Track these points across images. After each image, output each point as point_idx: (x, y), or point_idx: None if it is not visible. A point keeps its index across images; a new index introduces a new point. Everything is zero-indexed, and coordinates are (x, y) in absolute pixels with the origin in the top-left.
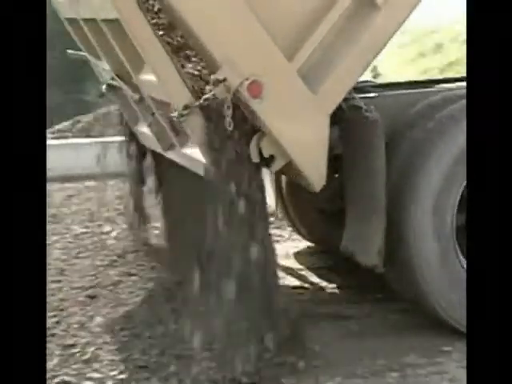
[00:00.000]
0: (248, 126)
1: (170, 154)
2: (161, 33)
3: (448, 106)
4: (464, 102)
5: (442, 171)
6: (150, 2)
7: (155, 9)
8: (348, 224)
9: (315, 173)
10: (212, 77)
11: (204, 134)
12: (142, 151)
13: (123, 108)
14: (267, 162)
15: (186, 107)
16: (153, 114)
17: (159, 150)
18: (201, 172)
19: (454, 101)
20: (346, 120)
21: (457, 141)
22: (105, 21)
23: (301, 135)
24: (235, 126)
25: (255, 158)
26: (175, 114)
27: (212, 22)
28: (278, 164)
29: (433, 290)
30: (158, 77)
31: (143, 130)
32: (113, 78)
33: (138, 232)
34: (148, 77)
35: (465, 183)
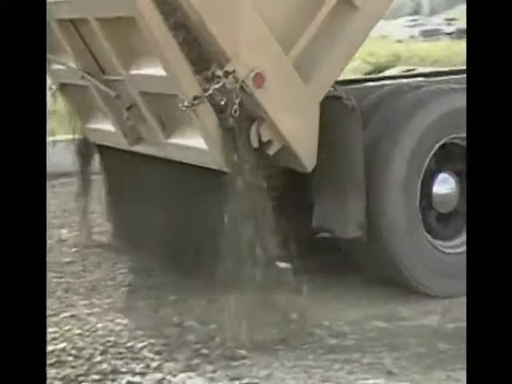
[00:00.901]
0: (247, 115)
1: (136, 148)
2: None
3: (399, 96)
4: (414, 92)
5: (406, 156)
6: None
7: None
8: (319, 204)
9: (308, 155)
10: (222, 69)
11: (213, 121)
12: (90, 148)
13: (75, 105)
14: (265, 146)
15: (195, 98)
16: (128, 108)
17: (119, 145)
18: (189, 160)
19: (406, 92)
20: (322, 107)
21: (418, 125)
22: (100, 20)
23: (296, 121)
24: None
25: (255, 143)
26: (185, 104)
27: (225, 22)
28: (274, 148)
29: (405, 263)
30: (170, 70)
31: (98, 126)
32: (83, 77)
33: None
34: (142, 71)
35: (425, 167)
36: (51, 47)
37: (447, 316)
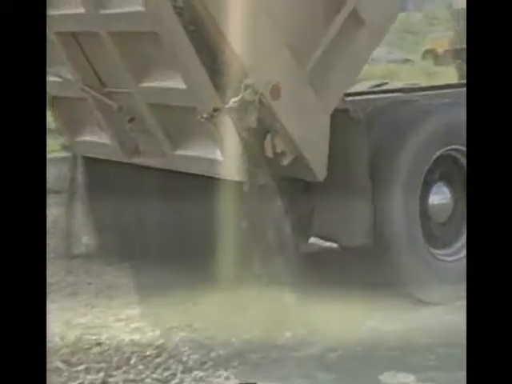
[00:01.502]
0: (263, 126)
1: (134, 160)
2: None
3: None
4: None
5: (407, 167)
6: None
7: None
8: (322, 212)
9: (319, 164)
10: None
11: (231, 133)
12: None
13: (65, 119)
14: (279, 157)
15: (215, 110)
16: (130, 121)
17: (113, 157)
18: (199, 171)
19: (403, 105)
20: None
21: (416, 137)
22: (114, 33)
23: (309, 132)
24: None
25: (270, 154)
26: (204, 115)
27: (244, 36)
28: (288, 158)
29: (406, 272)
30: (190, 83)
31: (89, 139)
32: (82, 90)
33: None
34: (155, 84)
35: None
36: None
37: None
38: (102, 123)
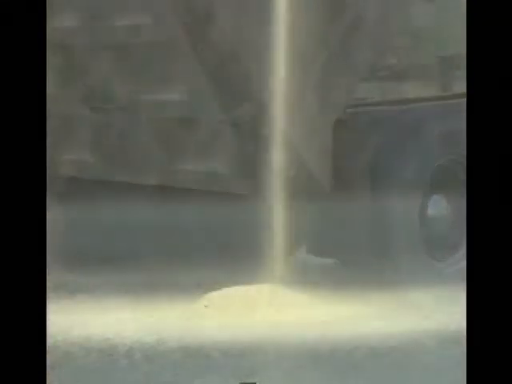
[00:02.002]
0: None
1: (123, 178)
2: None
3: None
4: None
5: (406, 176)
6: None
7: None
8: (316, 224)
9: (324, 176)
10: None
11: (237, 145)
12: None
13: (51, 136)
14: (284, 167)
15: (220, 122)
16: (123, 136)
17: (101, 176)
18: (199, 186)
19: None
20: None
21: (417, 146)
22: (111, 46)
23: (313, 142)
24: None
25: (275, 166)
26: (209, 128)
27: (252, 49)
28: (293, 170)
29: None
30: (195, 95)
31: (76, 157)
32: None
33: None
34: (159, 97)
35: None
36: None
37: None
38: (91, 140)
